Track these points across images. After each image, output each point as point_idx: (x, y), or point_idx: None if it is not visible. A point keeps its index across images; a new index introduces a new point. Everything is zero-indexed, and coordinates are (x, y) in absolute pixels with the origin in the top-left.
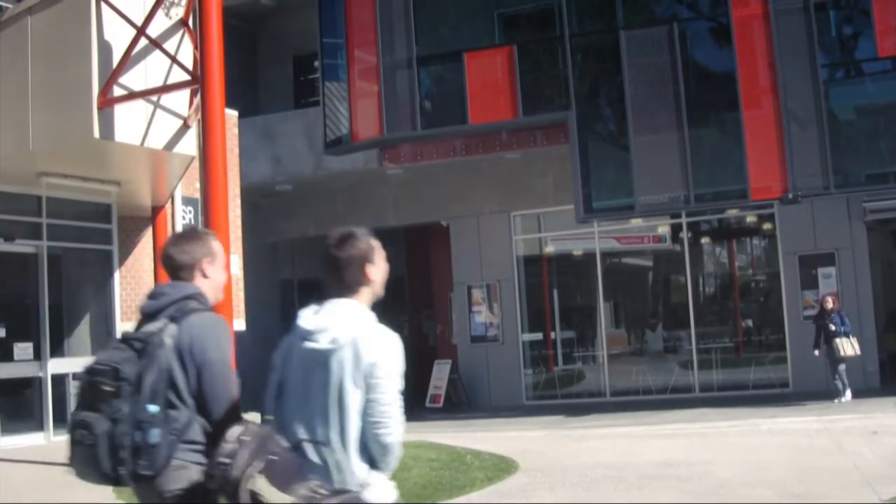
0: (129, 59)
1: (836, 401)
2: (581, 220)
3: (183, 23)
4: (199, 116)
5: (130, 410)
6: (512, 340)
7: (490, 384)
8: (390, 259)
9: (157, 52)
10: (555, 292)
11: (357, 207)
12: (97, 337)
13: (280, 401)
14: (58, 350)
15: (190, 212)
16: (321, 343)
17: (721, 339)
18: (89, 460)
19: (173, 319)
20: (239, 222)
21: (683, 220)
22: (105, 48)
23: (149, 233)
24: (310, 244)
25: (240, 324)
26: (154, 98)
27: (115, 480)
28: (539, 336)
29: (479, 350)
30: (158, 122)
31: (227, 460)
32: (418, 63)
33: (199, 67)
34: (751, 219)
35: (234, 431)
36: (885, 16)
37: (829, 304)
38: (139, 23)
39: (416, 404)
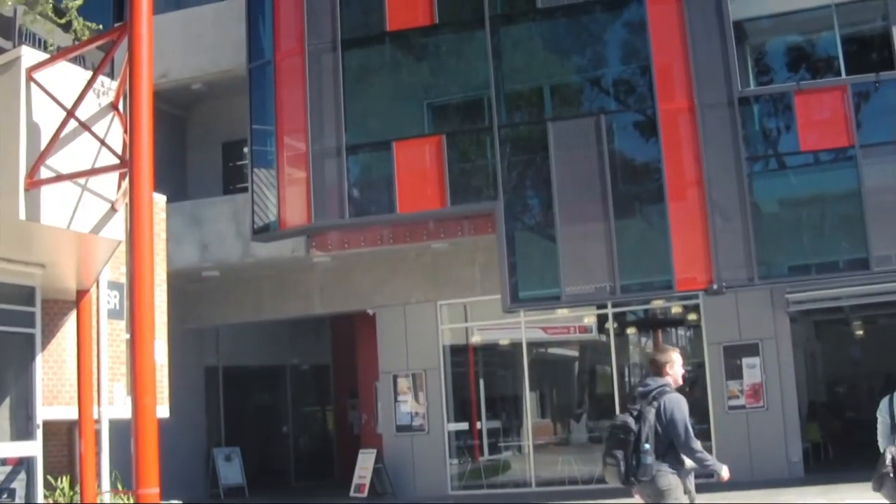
0: (57, 141)
1: None
2: (507, 309)
3: (113, 106)
4: (127, 200)
5: (635, 447)
6: (437, 430)
7: (415, 474)
8: (315, 348)
9: (87, 135)
10: (481, 382)
11: (284, 295)
12: (17, 421)
13: (886, 433)
14: None
15: (115, 296)
16: None
17: None
18: (616, 474)
19: (655, 398)
20: (164, 307)
21: (609, 311)
22: (33, 129)
23: (72, 316)
24: (235, 331)
25: (163, 410)
26: (82, 181)
27: (627, 484)
28: (465, 426)
29: (405, 439)
30: (86, 206)
31: (885, 469)
32: (347, 151)
33: (129, 151)
34: (676, 309)
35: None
36: (808, 111)
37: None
38: (69, 105)
39: (340, 493)
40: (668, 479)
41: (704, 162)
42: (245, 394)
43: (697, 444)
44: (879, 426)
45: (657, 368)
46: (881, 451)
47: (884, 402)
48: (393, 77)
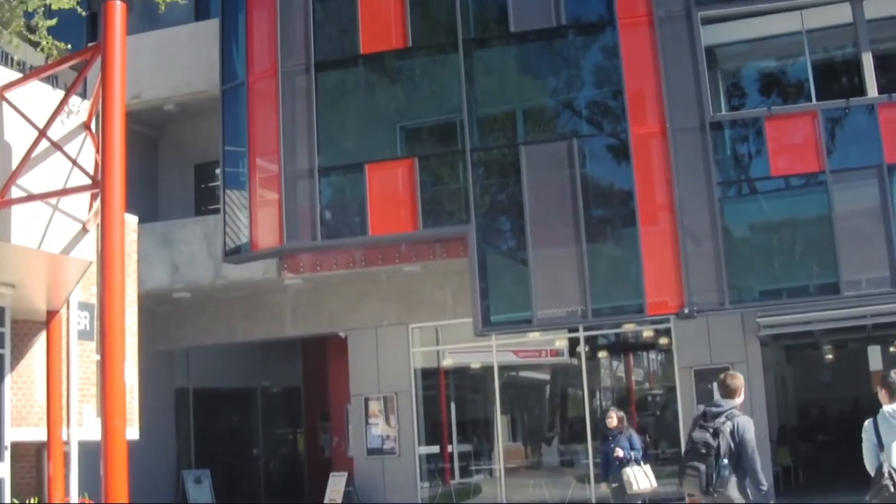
0: (29, 161)
1: None
2: (479, 333)
3: (85, 126)
4: (98, 221)
5: (715, 462)
6: (409, 453)
7: (386, 497)
8: (286, 370)
9: (58, 155)
10: (452, 405)
11: (255, 317)
12: None
13: (873, 452)
14: None
15: (86, 317)
16: None
17: None
18: (695, 484)
19: (728, 418)
20: (135, 329)
21: (581, 334)
22: (5, 148)
23: (42, 337)
24: (206, 352)
25: (133, 432)
26: (53, 201)
27: (706, 493)
28: (436, 449)
29: (376, 463)
30: (57, 226)
31: (884, 481)
32: (320, 173)
33: (100, 172)
34: (647, 333)
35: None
36: (778, 136)
37: (613, 422)
38: (41, 124)
39: None
40: (738, 492)
41: (676, 186)
42: (215, 416)
43: (759, 465)
44: (865, 444)
45: (729, 392)
46: (868, 468)
47: (869, 423)
48: (366, 100)
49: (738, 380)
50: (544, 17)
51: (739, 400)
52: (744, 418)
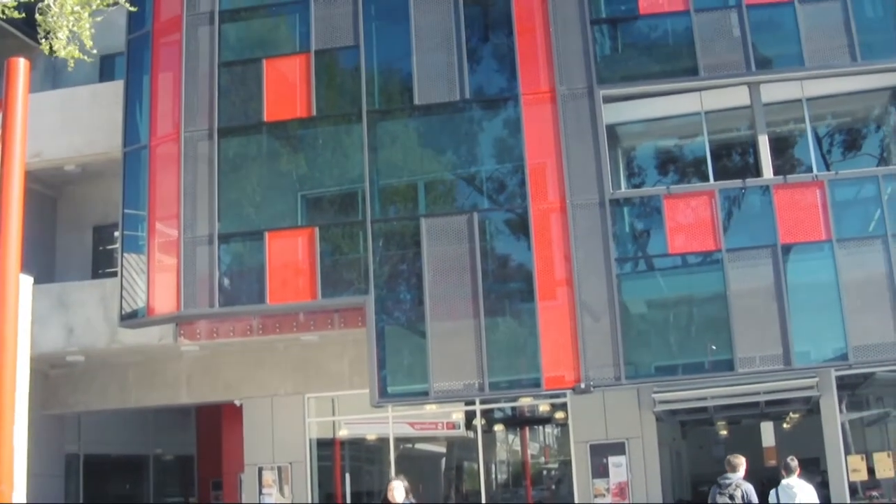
0: None
1: None
2: (375, 404)
3: None
4: None
5: None
6: None
7: None
8: (179, 437)
9: None
10: (347, 476)
11: (150, 382)
12: None
13: None
14: None
15: None
16: (795, 489)
17: None
18: None
19: (737, 486)
20: (26, 391)
21: (477, 407)
22: None
23: None
24: (98, 418)
25: (20, 498)
26: None
27: None
28: None
29: None
30: None
31: None
32: (220, 240)
33: None
34: (544, 407)
35: None
36: (676, 214)
37: (398, 496)
38: None
39: None
40: None
41: (574, 262)
42: (106, 483)
43: None
44: None
45: (733, 468)
46: None
47: (773, 491)
48: (268, 167)
49: (740, 459)
50: (448, 91)
51: (742, 473)
52: (748, 485)
